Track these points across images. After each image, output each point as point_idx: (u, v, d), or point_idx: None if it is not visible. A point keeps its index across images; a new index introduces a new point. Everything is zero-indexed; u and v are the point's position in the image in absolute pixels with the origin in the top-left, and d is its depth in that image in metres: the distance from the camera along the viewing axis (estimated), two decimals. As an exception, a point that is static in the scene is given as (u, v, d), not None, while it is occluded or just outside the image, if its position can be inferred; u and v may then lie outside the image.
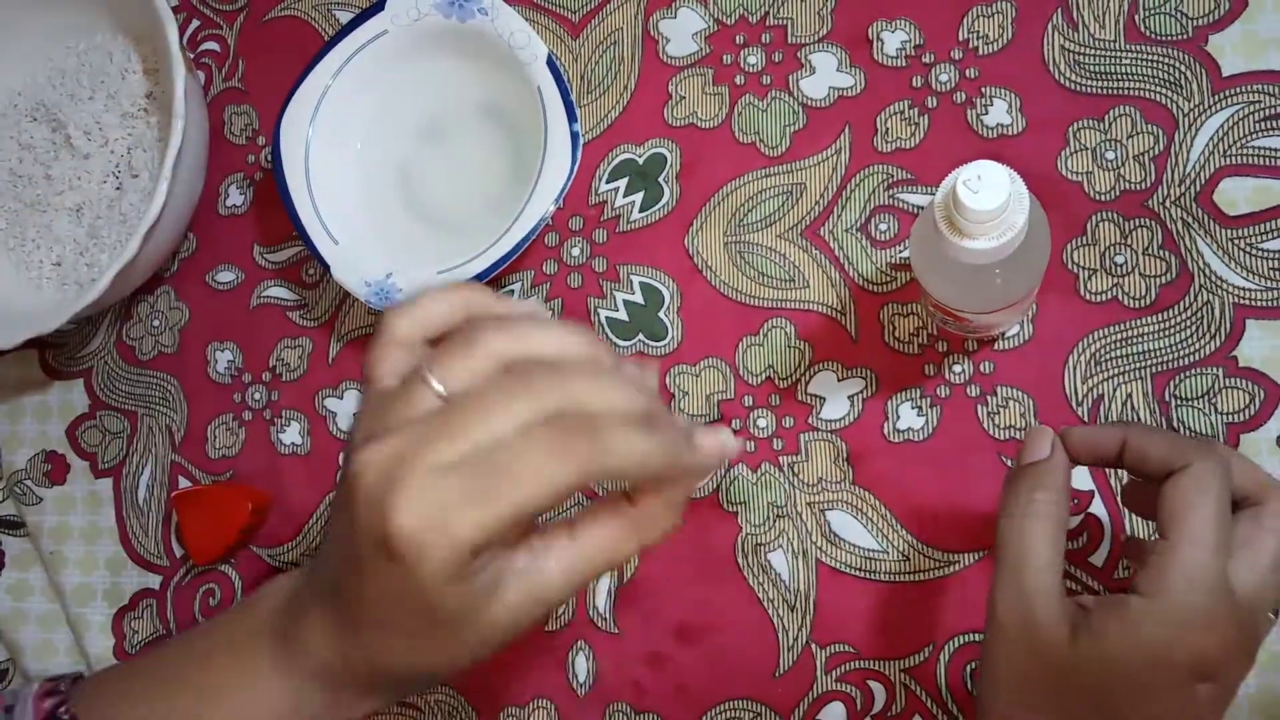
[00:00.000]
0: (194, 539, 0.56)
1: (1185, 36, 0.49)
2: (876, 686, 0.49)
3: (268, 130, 0.60)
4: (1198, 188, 0.48)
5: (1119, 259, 0.48)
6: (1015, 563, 0.35)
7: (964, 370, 0.49)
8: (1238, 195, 0.48)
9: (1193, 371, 0.47)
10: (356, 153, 0.57)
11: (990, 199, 0.36)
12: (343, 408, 0.57)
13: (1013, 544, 0.35)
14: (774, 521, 0.51)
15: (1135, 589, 0.33)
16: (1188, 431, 0.47)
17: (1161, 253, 0.48)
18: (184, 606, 0.58)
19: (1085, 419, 0.48)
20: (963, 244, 0.37)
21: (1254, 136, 0.48)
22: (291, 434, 0.58)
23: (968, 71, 0.51)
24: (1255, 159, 0.47)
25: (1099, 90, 0.49)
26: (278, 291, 0.59)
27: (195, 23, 0.63)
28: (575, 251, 0.55)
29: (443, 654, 0.33)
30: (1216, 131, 0.48)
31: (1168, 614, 0.33)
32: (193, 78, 0.57)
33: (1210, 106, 0.48)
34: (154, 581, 0.59)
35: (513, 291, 0.55)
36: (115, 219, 0.60)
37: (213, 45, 0.62)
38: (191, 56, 0.62)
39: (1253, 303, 0.47)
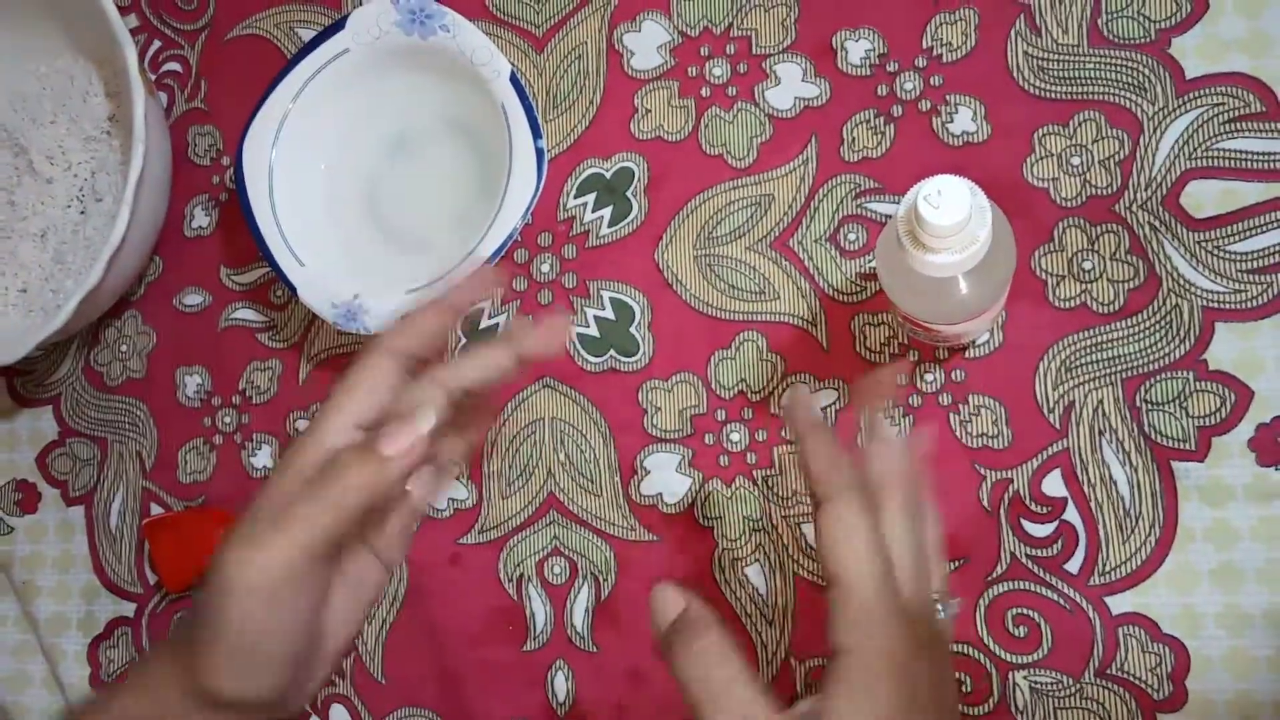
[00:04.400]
0: (166, 566, 0.56)
1: (1148, 40, 0.49)
2: (855, 699, 0.49)
3: (232, 151, 0.60)
4: (1164, 191, 0.48)
5: (1087, 265, 0.48)
6: (717, 712, 0.35)
7: (935, 379, 0.49)
8: (1204, 198, 0.47)
9: (1163, 376, 0.47)
10: (321, 172, 0.56)
11: (951, 214, 0.35)
12: (314, 430, 0.56)
13: (706, 700, 0.35)
14: (750, 536, 0.51)
15: (833, 644, 0.33)
16: (1160, 438, 0.47)
17: (1129, 258, 0.48)
18: (160, 634, 0.58)
19: (1057, 426, 0.48)
20: (926, 259, 0.37)
21: (1219, 139, 0.47)
22: (263, 457, 0.57)
23: (932, 79, 0.51)
24: (1221, 161, 0.47)
25: (1063, 95, 0.49)
26: (246, 313, 0.59)
27: (156, 43, 0.62)
28: (545, 267, 0.55)
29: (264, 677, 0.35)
30: (1182, 135, 0.48)
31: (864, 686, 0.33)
32: (154, 100, 0.56)
33: (1175, 110, 0.48)
34: (129, 609, 0.58)
35: (482, 310, 0.55)
36: (80, 244, 0.59)
37: (174, 66, 0.62)
38: (153, 78, 0.62)
39: (1221, 305, 0.47)
